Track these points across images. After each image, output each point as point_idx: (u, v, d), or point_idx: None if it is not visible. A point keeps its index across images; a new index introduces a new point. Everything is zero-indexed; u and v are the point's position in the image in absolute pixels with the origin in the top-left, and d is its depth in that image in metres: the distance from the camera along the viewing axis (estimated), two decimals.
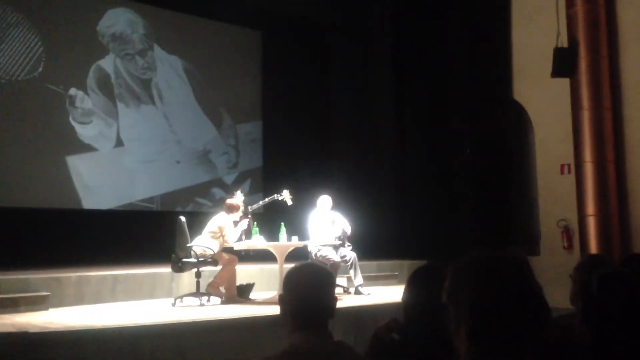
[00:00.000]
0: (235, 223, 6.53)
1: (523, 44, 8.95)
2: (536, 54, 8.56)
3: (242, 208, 6.65)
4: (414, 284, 2.39)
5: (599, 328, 1.52)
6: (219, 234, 6.39)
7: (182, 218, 6.36)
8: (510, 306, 1.24)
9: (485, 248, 1.35)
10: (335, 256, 6.87)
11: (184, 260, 6.16)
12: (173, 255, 6.20)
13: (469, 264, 1.31)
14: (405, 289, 2.39)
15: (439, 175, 9.52)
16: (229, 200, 6.70)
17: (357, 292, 6.94)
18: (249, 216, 6.80)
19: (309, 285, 1.76)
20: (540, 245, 8.65)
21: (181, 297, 6.13)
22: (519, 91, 9.05)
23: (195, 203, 10.06)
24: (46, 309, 5.57)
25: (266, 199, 7.22)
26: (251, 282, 6.73)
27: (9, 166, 8.23)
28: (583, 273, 2.19)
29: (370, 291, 7.10)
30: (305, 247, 6.81)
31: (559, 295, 3.75)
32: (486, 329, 1.24)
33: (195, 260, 6.18)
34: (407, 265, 8.66)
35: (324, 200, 7.13)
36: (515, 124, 9.09)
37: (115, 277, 6.37)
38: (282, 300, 1.81)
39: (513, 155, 9.17)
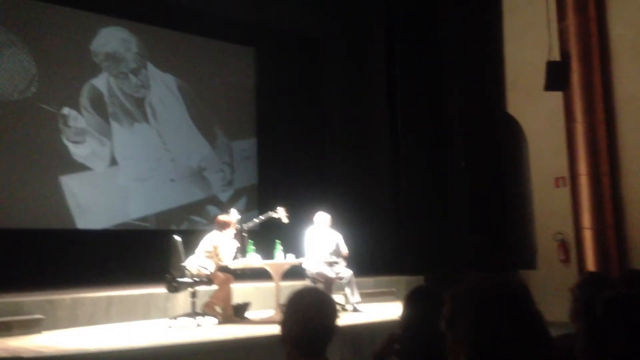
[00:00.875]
0: (230, 240, 6.49)
1: (516, 57, 8.99)
2: (529, 67, 8.60)
3: (234, 224, 6.59)
4: (411, 305, 2.37)
5: (603, 352, 1.49)
6: (213, 253, 6.34)
7: (177, 237, 6.30)
8: (510, 334, 1.22)
9: (483, 272, 1.32)
10: (330, 273, 6.84)
11: (179, 280, 6.10)
12: (168, 275, 6.14)
13: (467, 291, 1.28)
14: (403, 311, 2.37)
15: (435, 190, 9.51)
16: (221, 217, 6.65)
17: (355, 310, 6.89)
18: (244, 234, 6.75)
19: (311, 312, 1.73)
20: (537, 258, 8.63)
21: (177, 317, 6.07)
22: (513, 105, 9.08)
23: (190, 221, 10.01)
24: (39, 332, 5.50)
25: (261, 217, 7.18)
26: (247, 301, 6.67)
27: (1, 186, 8.18)
28: (584, 292, 2.16)
29: (368, 308, 7.04)
30: (301, 264, 6.76)
31: (557, 309, 3.72)
32: (485, 357, 1.22)
33: (190, 280, 6.12)
34: (404, 281, 8.62)
35: (321, 217, 7.09)
36: (509, 138, 9.10)
37: (109, 298, 6.30)
38: (283, 325, 1.78)
39: (508, 169, 9.18)
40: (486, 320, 1.23)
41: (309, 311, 1.73)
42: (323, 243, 7.01)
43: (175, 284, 6.09)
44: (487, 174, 9.03)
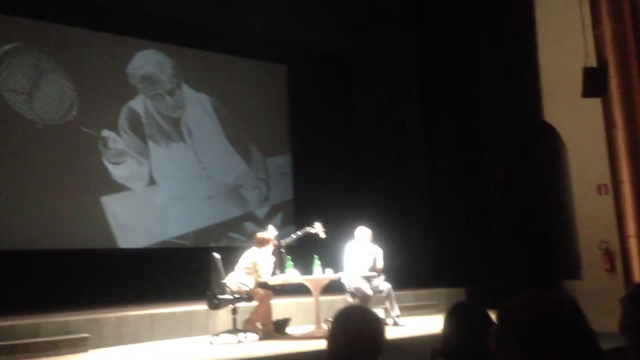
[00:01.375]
0: (269, 256, 6.52)
1: (551, 65, 8.87)
2: (565, 74, 8.47)
3: (273, 241, 6.64)
4: (453, 321, 2.36)
5: None
6: (252, 270, 6.38)
7: (216, 255, 6.37)
8: (562, 352, 1.20)
9: (532, 289, 1.31)
10: (367, 288, 6.78)
11: (220, 297, 6.15)
12: (209, 293, 6.20)
13: (517, 309, 1.27)
14: (444, 326, 2.36)
15: (472, 200, 9.40)
16: (260, 234, 6.70)
17: (395, 324, 6.84)
18: (282, 250, 6.79)
19: (359, 329, 1.73)
20: (581, 268, 8.44)
21: (218, 334, 6.12)
22: (550, 113, 8.94)
23: (228, 238, 10.10)
24: (86, 350, 5.61)
25: (299, 232, 7.21)
26: (287, 316, 6.69)
27: (45, 209, 8.40)
28: (634, 304, 2.11)
29: (408, 322, 6.99)
30: (339, 279, 6.75)
31: (604, 319, 3.63)
32: None
33: (230, 296, 6.17)
34: (444, 294, 8.53)
35: (361, 232, 7.06)
36: (547, 147, 8.96)
37: (152, 316, 6.39)
38: (329, 343, 1.79)
39: (547, 178, 9.03)
40: (538, 339, 1.22)
41: (356, 329, 1.74)
42: (362, 257, 6.99)
43: (216, 301, 6.15)
44: (526, 184, 8.89)
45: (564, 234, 8.68)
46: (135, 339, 6.10)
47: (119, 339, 6.00)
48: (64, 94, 8.88)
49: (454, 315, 2.37)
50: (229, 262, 6.54)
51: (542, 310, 1.26)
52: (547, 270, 8.42)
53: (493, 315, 1.82)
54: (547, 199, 8.95)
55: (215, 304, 6.16)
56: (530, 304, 1.28)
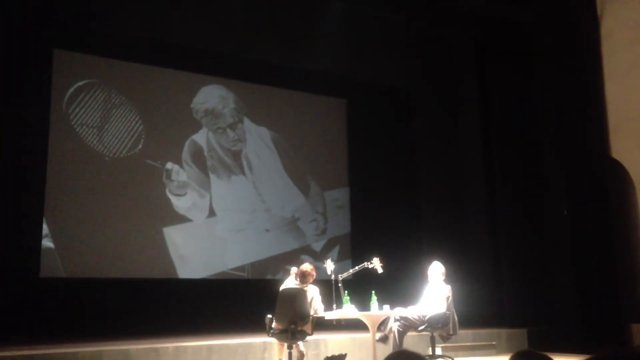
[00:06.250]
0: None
1: (618, 100, 8.61)
2: (633, 110, 8.21)
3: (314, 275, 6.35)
4: None
5: None
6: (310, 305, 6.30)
7: (304, 287, 6.11)
8: None
9: (605, 347, 1.27)
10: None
11: (300, 329, 5.88)
12: (292, 326, 5.92)
13: None
14: None
15: (536, 238, 9.12)
16: (306, 268, 6.43)
17: None
18: (340, 284, 6.71)
19: None
20: None
21: None
22: (617, 149, 8.64)
23: (285, 271, 10.12)
24: None
25: (356, 267, 7.13)
26: (343, 352, 6.59)
27: (111, 238, 8.69)
28: None
29: None
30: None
31: None
32: None
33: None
34: (504, 334, 8.24)
35: (431, 269, 6.75)
36: (614, 183, 8.64)
37: (209, 347, 6.44)
38: None
39: (614, 216, 8.67)
40: None
41: None
42: (429, 299, 6.65)
43: (293, 334, 5.85)
44: (592, 222, 8.57)
45: (631, 275, 8.29)
46: None
47: None
48: (131, 128, 9.24)
49: None
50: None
51: None
52: (614, 313, 8.03)
53: None
54: (614, 238, 8.59)
55: (295, 337, 5.91)
56: None
